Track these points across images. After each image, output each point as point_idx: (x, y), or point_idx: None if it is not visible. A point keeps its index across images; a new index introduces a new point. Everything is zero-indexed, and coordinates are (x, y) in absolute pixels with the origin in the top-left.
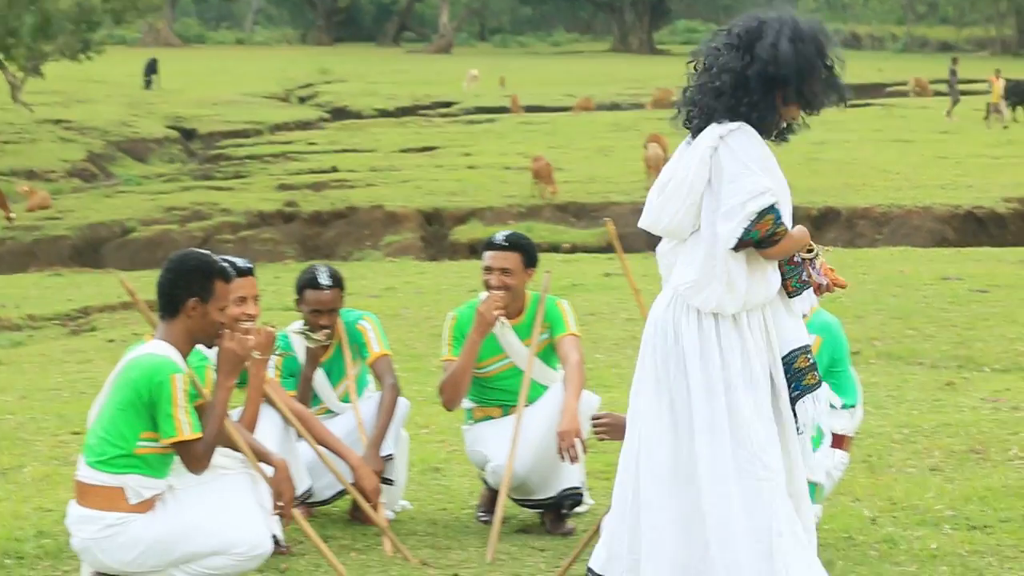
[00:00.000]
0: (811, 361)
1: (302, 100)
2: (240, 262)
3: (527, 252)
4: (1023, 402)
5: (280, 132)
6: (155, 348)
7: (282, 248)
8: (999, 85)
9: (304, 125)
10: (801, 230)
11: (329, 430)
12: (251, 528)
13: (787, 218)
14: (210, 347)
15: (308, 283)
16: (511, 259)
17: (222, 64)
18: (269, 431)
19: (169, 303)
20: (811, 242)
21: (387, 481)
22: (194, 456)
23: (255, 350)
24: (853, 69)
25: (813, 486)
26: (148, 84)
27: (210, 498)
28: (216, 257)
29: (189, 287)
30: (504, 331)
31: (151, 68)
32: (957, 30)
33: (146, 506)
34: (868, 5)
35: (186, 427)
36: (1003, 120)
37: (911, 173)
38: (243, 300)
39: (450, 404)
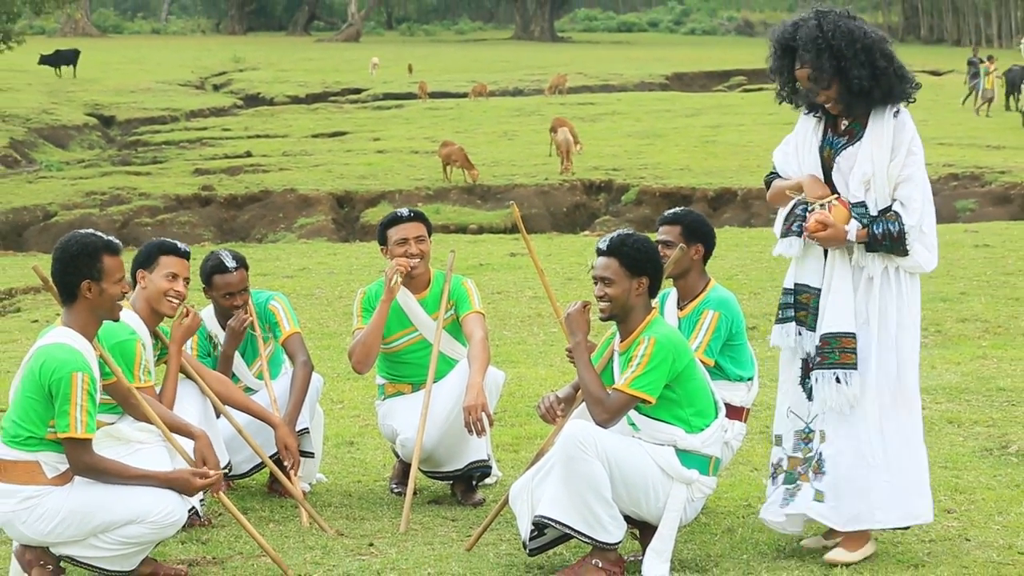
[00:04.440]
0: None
1: (216, 88)
2: (180, 244)
3: (428, 221)
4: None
5: (195, 119)
6: (63, 337)
7: (199, 231)
8: (994, 72)
9: (218, 112)
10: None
11: (248, 396)
12: (165, 497)
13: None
14: (115, 320)
15: (214, 269)
16: (421, 228)
17: (139, 53)
18: (189, 407)
19: (65, 290)
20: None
21: (305, 454)
22: (78, 455)
23: (184, 330)
24: (746, 56)
25: (707, 459)
26: (58, 71)
27: None
28: (99, 233)
29: (79, 271)
30: (410, 301)
31: (63, 59)
32: None
33: (64, 479)
34: None
35: (79, 425)
36: (988, 110)
37: None
38: (174, 277)
39: (360, 366)
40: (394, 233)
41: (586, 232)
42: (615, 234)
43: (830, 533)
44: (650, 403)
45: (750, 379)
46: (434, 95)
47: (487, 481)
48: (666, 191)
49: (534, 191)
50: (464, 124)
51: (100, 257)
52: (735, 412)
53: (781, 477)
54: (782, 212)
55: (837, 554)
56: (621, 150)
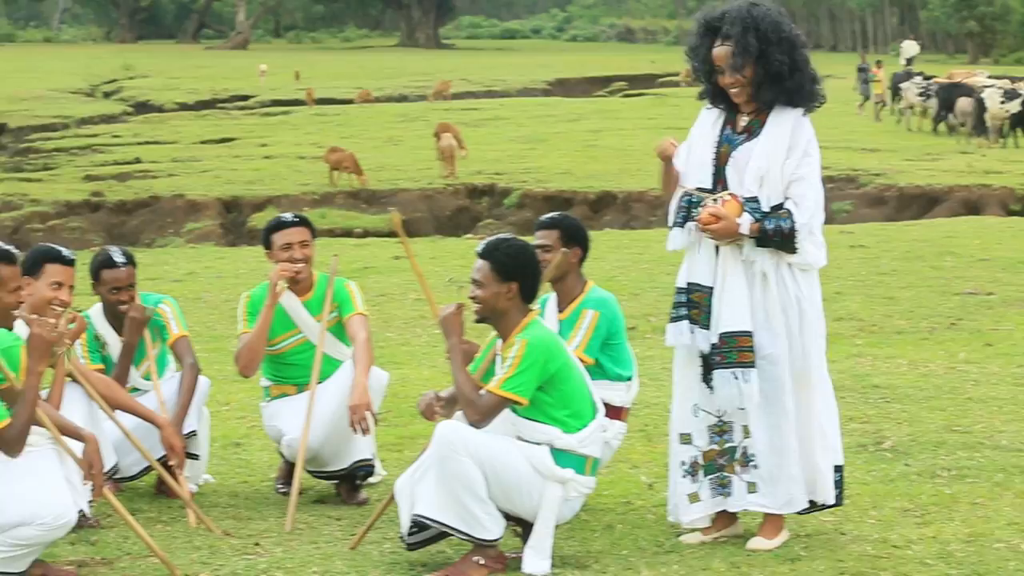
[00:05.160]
0: None
1: (107, 95)
2: (65, 252)
3: (312, 225)
4: None
5: (86, 126)
6: None
7: (89, 236)
8: (883, 77)
9: (109, 119)
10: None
11: (134, 398)
12: (55, 499)
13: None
14: (9, 328)
15: (103, 264)
16: (305, 233)
17: (30, 62)
18: (75, 410)
19: None
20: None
21: (191, 456)
22: (4, 442)
23: (65, 336)
24: (627, 62)
25: (584, 459)
26: None
27: (16, 473)
28: None
29: None
30: (294, 304)
31: None
32: None
33: None
34: (642, 1)
35: None
36: (878, 114)
37: None
38: (59, 286)
39: (246, 370)
40: (278, 238)
41: (469, 235)
42: (492, 238)
43: (709, 528)
44: (522, 404)
45: (630, 378)
46: (321, 101)
47: (371, 480)
48: (548, 194)
49: (418, 195)
50: (350, 130)
51: None
52: (615, 411)
53: (701, 472)
54: (671, 206)
55: (757, 542)
56: (504, 155)
